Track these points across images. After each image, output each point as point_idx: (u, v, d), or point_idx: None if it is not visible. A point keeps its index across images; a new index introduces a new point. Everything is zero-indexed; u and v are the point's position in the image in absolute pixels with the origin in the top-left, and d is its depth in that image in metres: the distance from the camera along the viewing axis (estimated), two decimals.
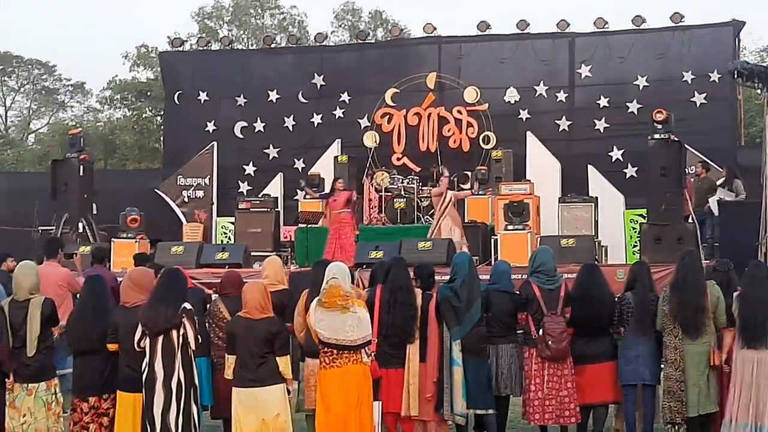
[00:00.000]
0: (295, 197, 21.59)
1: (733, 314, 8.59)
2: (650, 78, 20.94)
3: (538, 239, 15.89)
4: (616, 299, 9.45)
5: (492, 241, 17.12)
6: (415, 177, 20.50)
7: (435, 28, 22.60)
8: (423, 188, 19.97)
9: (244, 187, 22.83)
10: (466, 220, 17.62)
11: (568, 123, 21.50)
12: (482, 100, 21.58)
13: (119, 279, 10.70)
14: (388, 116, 22.09)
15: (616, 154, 20.97)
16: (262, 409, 7.52)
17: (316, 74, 22.94)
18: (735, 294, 8.74)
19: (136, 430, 7.76)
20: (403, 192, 19.83)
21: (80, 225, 17.47)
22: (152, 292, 7.82)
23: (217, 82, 23.45)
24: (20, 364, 8.03)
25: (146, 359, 7.62)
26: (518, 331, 9.51)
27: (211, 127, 23.31)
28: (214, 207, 22.71)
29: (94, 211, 18.31)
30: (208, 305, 9.39)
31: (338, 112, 22.72)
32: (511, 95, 21.72)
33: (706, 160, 18.52)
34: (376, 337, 8.42)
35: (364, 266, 14.07)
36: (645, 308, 9.18)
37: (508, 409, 9.63)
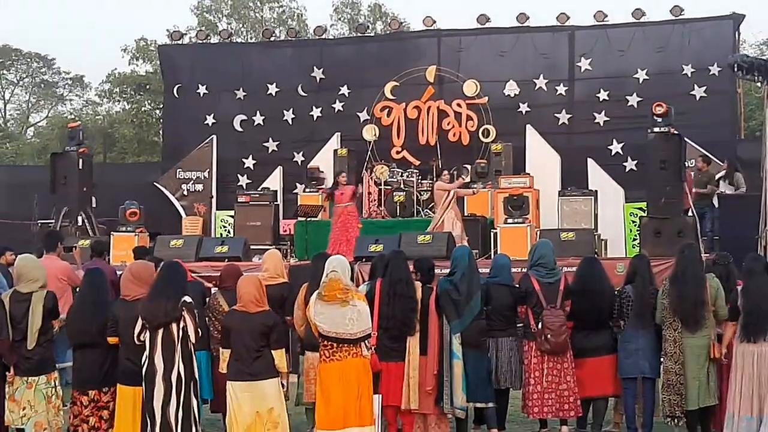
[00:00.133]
0: (295, 191, 21.59)
1: (738, 308, 8.59)
2: (650, 71, 20.91)
3: (538, 233, 15.90)
4: (616, 292, 9.46)
5: (492, 234, 17.13)
6: (415, 170, 20.50)
7: (434, 21, 22.59)
8: (422, 181, 19.97)
9: (243, 180, 22.81)
10: (465, 214, 17.62)
11: (568, 116, 21.48)
12: (482, 94, 21.56)
13: (119, 272, 10.73)
14: (387, 109, 22.06)
15: (616, 147, 20.96)
16: (256, 402, 7.51)
17: (315, 67, 22.91)
18: (739, 289, 8.74)
19: (136, 424, 7.75)
20: (402, 185, 19.83)
21: (79, 218, 17.47)
22: (152, 286, 7.81)
23: (216, 76, 23.42)
24: (20, 357, 8.03)
25: (146, 353, 7.61)
26: (518, 325, 9.51)
27: (210, 120, 23.29)
28: (214, 200, 22.69)
29: (94, 205, 18.32)
30: (207, 298, 9.40)
31: (338, 106, 22.70)
32: (511, 88, 21.70)
33: (707, 153, 18.53)
34: (376, 331, 8.42)
35: (364, 260, 14.07)
36: (645, 301, 9.18)
37: (508, 403, 9.64)
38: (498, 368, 9.31)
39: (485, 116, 21.52)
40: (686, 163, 16.03)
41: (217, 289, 9.54)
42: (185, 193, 22.82)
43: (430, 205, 19.06)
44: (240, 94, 23.23)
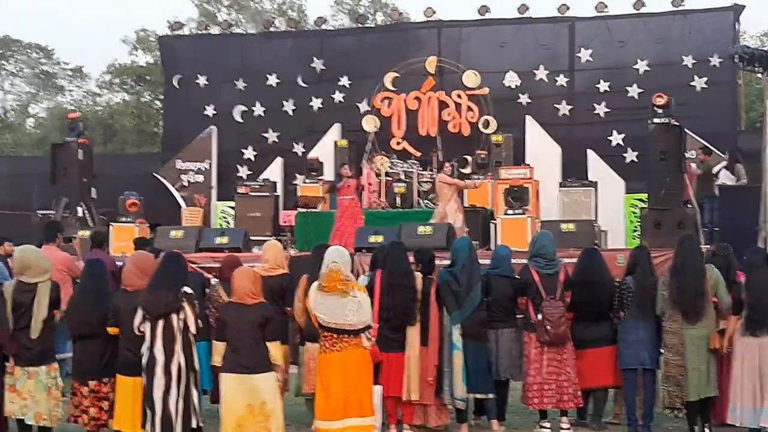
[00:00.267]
0: (294, 182, 21.59)
1: (740, 301, 8.58)
2: (650, 62, 20.92)
3: (538, 224, 15.89)
4: (616, 284, 9.45)
5: (492, 225, 17.12)
6: (415, 161, 20.48)
7: (435, 12, 22.57)
8: (423, 172, 19.95)
9: (243, 171, 22.82)
10: (466, 205, 17.61)
11: (569, 107, 21.49)
12: (482, 85, 21.53)
13: (118, 263, 10.72)
14: (387, 100, 22.04)
15: (617, 138, 20.96)
16: (250, 395, 7.47)
17: (315, 58, 22.91)
18: (743, 282, 8.74)
19: (136, 414, 7.75)
20: (402, 176, 19.82)
21: (79, 209, 17.46)
22: (153, 277, 7.80)
23: (216, 67, 23.42)
24: (22, 347, 8.01)
25: (146, 343, 7.61)
26: (518, 316, 9.51)
27: (210, 111, 23.29)
28: (214, 191, 22.70)
29: (94, 196, 18.32)
30: (207, 289, 9.39)
31: (338, 97, 22.70)
32: (511, 79, 21.68)
33: (707, 144, 18.52)
34: (377, 322, 8.42)
35: (364, 251, 14.06)
36: (645, 292, 9.17)
37: (508, 394, 9.65)
38: (498, 359, 9.32)
39: (486, 107, 21.51)
40: (686, 154, 16.02)
41: (217, 280, 9.53)
42: (185, 184, 22.82)
43: (430, 196, 19.05)
44: (240, 85, 23.22)
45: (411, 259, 9.30)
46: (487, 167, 19.42)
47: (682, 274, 8.94)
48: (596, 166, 20.36)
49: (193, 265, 10.88)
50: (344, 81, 22.65)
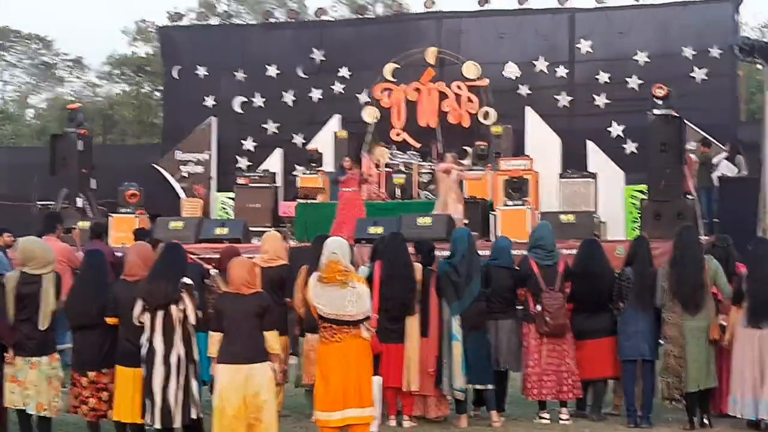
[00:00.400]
0: (294, 173, 21.58)
1: (742, 292, 8.59)
2: (650, 53, 20.87)
3: (538, 215, 15.90)
4: (616, 275, 9.45)
5: (491, 216, 17.12)
6: (415, 153, 20.46)
7: (434, 3, 22.52)
8: (423, 164, 19.94)
9: (243, 162, 22.80)
10: (465, 196, 17.60)
11: (568, 99, 21.46)
12: (482, 76, 21.51)
13: (118, 254, 10.71)
14: (387, 91, 22.02)
15: (616, 129, 20.94)
16: (244, 386, 7.44)
17: (315, 49, 22.88)
18: (744, 274, 8.74)
19: (136, 405, 7.75)
20: (402, 167, 19.81)
21: (79, 200, 17.46)
22: (152, 267, 7.80)
23: (216, 57, 23.38)
24: (24, 338, 8.00)
25: (146, 334, 7.61)
26: (518, 307, 9.52)
27: (210, 102, 23.28)
28: (213, 182, 22.69)
29: (93, 186, 18.30)
30: (206, 280, 9.39)
31: (338, 87, 22.67)
32: (511, 71, 21.65)
33: (707, 136, 18.51)
34: (376, 313, 8.42)
35: (363, 242, 14.06)
36: (644, 284, 9.17)
37: (508, 385, 9.66)
38: (497, 350, 9.33)
39: (485, 98, 21.49)
40: (686, 145, 16.02)
41: (217, 271, 9.53)
42: (185, 174, 22.79)
43: (430, 187, 19.04)
44: (240, 75, 23.20)
45: (411, 250, 9.31)
46: (487, 158, 19.41)
47: (681, 265, 8.94)
48: (596, 157, 20.34)
49: (192, 256, 10.87)
50: (344, 72, 22.62)
